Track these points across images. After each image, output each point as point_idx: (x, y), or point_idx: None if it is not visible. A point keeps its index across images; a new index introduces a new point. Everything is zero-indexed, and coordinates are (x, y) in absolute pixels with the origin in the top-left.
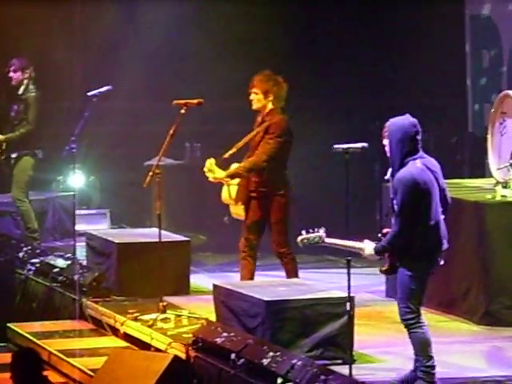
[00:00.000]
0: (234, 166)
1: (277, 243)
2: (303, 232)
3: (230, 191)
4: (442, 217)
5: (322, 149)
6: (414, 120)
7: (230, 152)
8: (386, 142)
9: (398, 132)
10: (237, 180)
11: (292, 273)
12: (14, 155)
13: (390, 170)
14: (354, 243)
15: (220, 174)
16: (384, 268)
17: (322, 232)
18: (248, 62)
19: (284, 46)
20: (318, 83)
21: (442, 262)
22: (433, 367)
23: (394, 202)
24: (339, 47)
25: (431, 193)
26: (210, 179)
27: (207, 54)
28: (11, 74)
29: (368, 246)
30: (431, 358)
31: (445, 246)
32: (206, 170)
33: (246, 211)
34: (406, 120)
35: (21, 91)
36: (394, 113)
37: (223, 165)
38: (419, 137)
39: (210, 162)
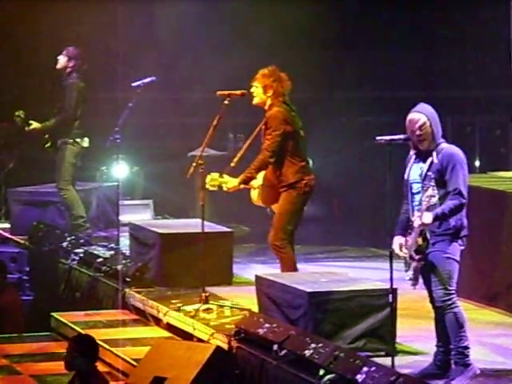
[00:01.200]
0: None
1: (272, 234)
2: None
3: (253, 195)
4: None
5: (365, 140)
6: None
7: (236, 160)
8: (422, 132)
9: (436, 118)
10: (259, 182)
11: (284, 267)
12: (58, 145)
13: (430, 159)
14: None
15: (233, 182)
16: (411, 276)
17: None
18: (293, 52)
19: (330, 38)
20: (364, 74)
21: (463, 247)
22: (468, 348)
23: (433, 182)
24: (387, 37)
25: None
26: (226, 190)
27: (251, 46)
28: (59, 57)
29: (426, 214)
30: (467, 338)
31: (467, 230)
32: (210, 187)
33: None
34: (429, 106)
35: (63, 79)
36: (438, 104)
37: (235, 172)
38: None
39: (212, 178)
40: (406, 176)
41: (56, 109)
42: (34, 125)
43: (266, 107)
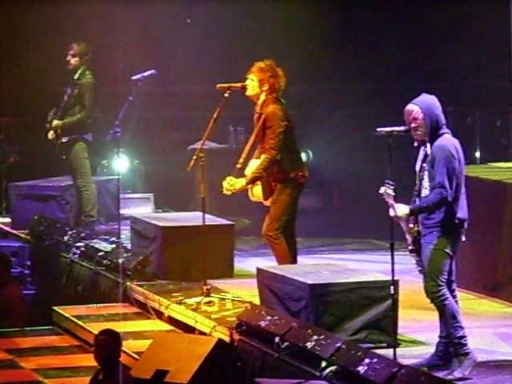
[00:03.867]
0: (251, 165)
1: (266, 225)
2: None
3: (253, 192)
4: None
5: (366, 131)
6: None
7: (241, 161)
8: (416, 123)
9: (435, 108)
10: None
11: (279, 258)
12: (64, 140)
13: (428, 147)
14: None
15: (240, 183)
16: (412, 247)
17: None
18: (294, 47)
19: (331, 32)
20: (364, 66)
21: (463, 239)
22: (463, 337)
23: (426, 173)
24: (387, 28)
25: (462, 165)
26: (230, 193)
27: (253, 39)
28: (69, 58)
29: (402, 206)
30: (462, 328)
31: (466, 223)
32: (228, 190)
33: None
34: (431, 97)
35: (76, 76)
36: (438, 95)
37: (239, 174)
38: None
39: (230, 181)
40: (416, 167)
41: (68, 104)
42: (55, 122)
43: (260, 102)
